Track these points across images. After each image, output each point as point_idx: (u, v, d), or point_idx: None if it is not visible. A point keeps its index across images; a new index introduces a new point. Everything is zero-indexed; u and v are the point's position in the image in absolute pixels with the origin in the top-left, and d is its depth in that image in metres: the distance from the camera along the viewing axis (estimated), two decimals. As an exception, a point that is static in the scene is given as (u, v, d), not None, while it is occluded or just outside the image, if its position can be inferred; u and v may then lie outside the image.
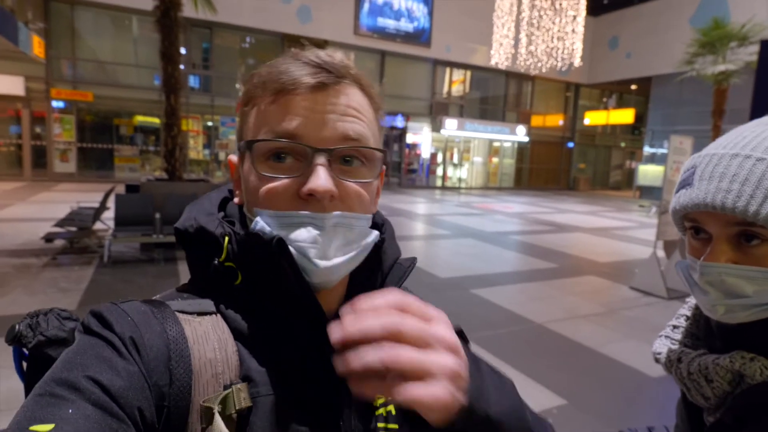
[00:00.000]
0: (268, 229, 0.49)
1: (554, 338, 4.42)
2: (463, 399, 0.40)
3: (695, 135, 6.89)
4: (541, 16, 15.32)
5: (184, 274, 5.77)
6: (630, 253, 8.80)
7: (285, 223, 0.49)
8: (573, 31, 15.16)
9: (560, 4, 14.78)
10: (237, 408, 0.45)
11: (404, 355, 0.36)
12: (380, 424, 0.53)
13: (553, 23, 15.23)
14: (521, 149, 24.77)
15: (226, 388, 0.45)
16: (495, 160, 24.40)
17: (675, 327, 0.75)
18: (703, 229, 0.61)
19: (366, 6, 19.44)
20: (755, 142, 0.58)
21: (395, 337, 0.37)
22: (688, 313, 0.75)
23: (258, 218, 0.50)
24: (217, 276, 0.52)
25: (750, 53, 12.82)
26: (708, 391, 0.63)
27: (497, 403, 0.46)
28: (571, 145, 26.30)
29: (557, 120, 25.91)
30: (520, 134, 23.45)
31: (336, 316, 0.49)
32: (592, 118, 26.21)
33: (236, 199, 0.57)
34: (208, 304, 0.51)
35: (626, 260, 8.14)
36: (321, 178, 0.48)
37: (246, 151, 0.52)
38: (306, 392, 0.50)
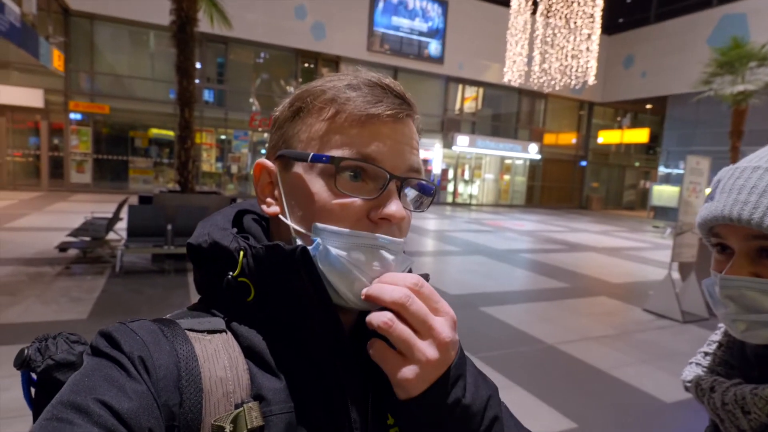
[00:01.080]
0: (333, 250, 0.48)
1: (565, 360, 4.32)
2: (429, 387, 0.47)
3: (712, 156, 6.78)
4: (555, 34, 15.35)
5: (194, 285, 5.78)
6: (643, 275, 8.63)
7: (356, 243, 0.49)
8: (587, 49, 15.14)
9: (575, 23, 14.80)
10: (249, 427, 0.44)
11: (397, 329, 0.46)
12: None
13: (567, 41, 15.24)
14: (533, 167, 24.64)
15: (237, 407, 0.45)
16: (506, 177, 24.29)
17: (706, 354, 0.73)
18: (727, 244, 0.61)
19: (381, 22, 19.71)
20: None
21: (399, 311, 0.46)
22: (722, 339, 0.72)
23: (320, 233, 0.49)
24: (229, 292, 0.51)
25: (768, 74, 12.69)
26: (744, 423, 0.60)
27: (471, 397, 0.50)
28: (584, 163, 26.09)
29: (570, 138, 25.77)
30: (532, 152, 23.35)
31: (354, 330, 0.54)
32: (606, 137, 26.03)
33: (270, 209, 0.54)
34: (218, 322, 0.50)
35: (639, 281, 7.98)
36: (398, 205, 0.50)
37: (314, 162, 0.50)
38: (320, 410, 0.49)
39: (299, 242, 0.50)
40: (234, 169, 18.47)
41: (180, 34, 7.58)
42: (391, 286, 0.47)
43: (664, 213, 19.39)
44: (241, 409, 0.44)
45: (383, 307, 0.47)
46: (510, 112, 23.92)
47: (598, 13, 14.68)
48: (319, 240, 0.49)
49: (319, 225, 0.49)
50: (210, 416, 0.43)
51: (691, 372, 0.71)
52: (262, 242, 0.52)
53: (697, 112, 19.11)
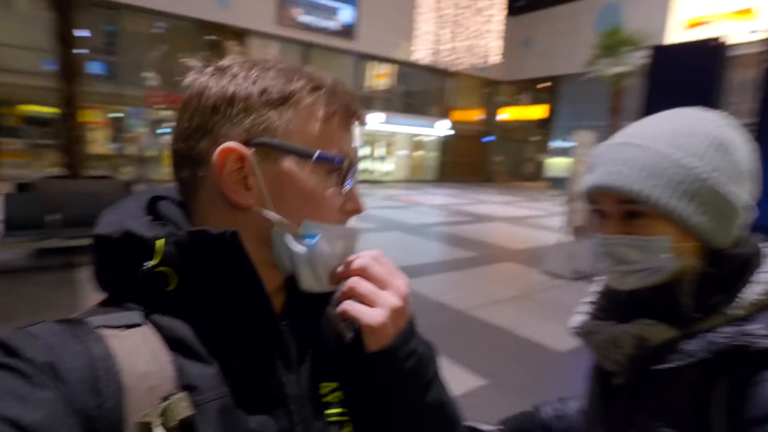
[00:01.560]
0: (323, 243, 0.52)
1: (476, 323, 4.65)
2: (396, 335, 0.54)
3: (598, 130, 7.53)
4: (462, 15, 15.85)
5: (85, 281, 5.29)
6: (542, 240, 9.44)
7: (341, 235, 0.55)
8: (492, 29, 15.86)
9: (480, 4, 15.39)
10: (179, 418, 0.42)
11: (363, 285, 0.54)
12: (328, 411, 0.56)
13: (473, 22, 15.84)
14: (444, 143, 25.57)
15: (164, 399, 0.43)
16: (419, 153, 24.98)
17: (588, 303, 0.85)
18: (603, 209, 0.72)
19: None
20: (640, 132, 0.69)
21: (363, 274, 0.54)
22: (599, 290, 0.84)
23: (311, 229, 0.52)
24: (145, 283, 0.48)
25: (641, 57, 14.23)
26: (618, 356, 0.72)
27: (423, 349, 0.57)
28: (489, 138, 27.60)
29: (477, 115, 27.05)
30: (443, 128, 24.20)
31: (282, 311, 0.56)
32: (509, 113, 27.68)
33: (243, 200, 0.50)
34: (134, 316, 0.47)
35: (538, 246, 8.73)
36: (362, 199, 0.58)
37: (320, 161, 0.52)
38: (254, 389, 0.49)
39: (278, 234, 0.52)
40: (130, 150, 16.92)
41: (57, -4, 6.70)
42: (356, 260, 0.55)
43: (558, 183, 21.25)
44: (169, 400, 0.43)
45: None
46: (421, 89, 24.44)
47: (500, -5, 15.37)
48: (319, 236, 0.52)
49: (310, 223, 0.52)
50: (135, 413, 0.41)
51: (577, 319, 0.83)
52: (185, 229, 0.49)
53: (586, 90, 20.94)
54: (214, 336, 0.48)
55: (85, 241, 6.08)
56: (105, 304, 0.51)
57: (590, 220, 0.76)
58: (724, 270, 0.65)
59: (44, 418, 0.36)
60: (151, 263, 0.47)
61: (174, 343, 0.47)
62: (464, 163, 26.76)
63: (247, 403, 0.48)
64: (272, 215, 0.50)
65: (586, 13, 21.58)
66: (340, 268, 0.55)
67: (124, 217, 0.50)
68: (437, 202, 15.51)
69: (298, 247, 0.51)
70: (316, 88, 0.52)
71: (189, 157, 0.51)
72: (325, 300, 0.59)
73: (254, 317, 0.50)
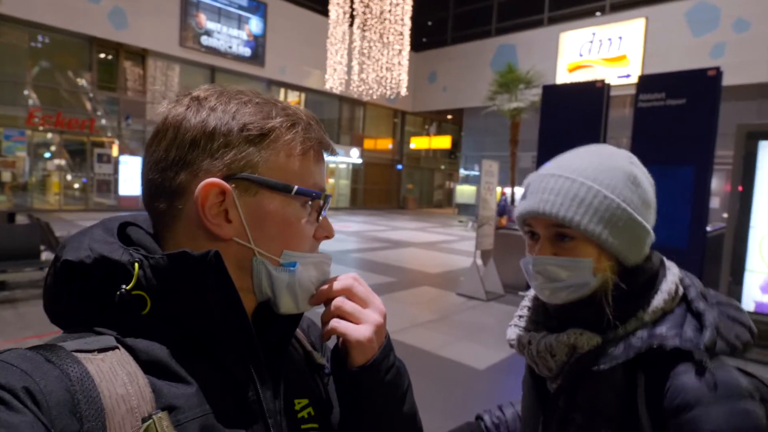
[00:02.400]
0: (301, 269, 0.56)
1: (398, 347, 4.65)
2: (379, 349, 0.58)
3: (499, 160, 8.15)
4: (371, 47, 16.46)
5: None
6: (455, 264, 9.89)
7: (315, 262, 0.58)
8: (399, 63, 16.64)
9: (388, 38, 16.11)
10: None
11: (348, 304, 0.58)
12: (303, 426, 0.59)
13: (382, 54, 16.52)
14: (356, 171, 25.98)
15: (144, 420, 0.43)
16: (331, 181, 25.10)
17: (520, 317, 0.92)
18: (535, 231, 0.81)
19: (194, 18, 18.33)
20: (565, 165, 0.80)
21: (347, 294, 0.58)
22: (529, 304, 0.93)
23: (290, 258, 0.55)
24: (120, 307, 0.48)
25: (534, 94, 15.80)
26: (552, 363, 0.79)
27: (399, 362, 0.62)
28: (400, 167, 28.59)
29: (387, 144, 27.96)
30: (354, 156, 24.61)
31: (257, 327, 0.56)
32: (417, 143, 28.99)
33: (224, 232, 0.52)
34: (108, 340, 0.47)
35: (453, 270, 9.13)
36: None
37: (297, 196, 0.55)
38: (233, 406, 0.51)
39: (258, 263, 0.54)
40: (6, 176, 14.96)
41: None
42: (338, 281, 0.59)
43: (465, 209, 22.52)
44: (150, 421, 0.43)
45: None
46: (332, 117, 24.76)
47: (407, 32, 16.26)
48: (299, 264, 0.55)
49: (290, 252, 0.55)
50: None
51: (512, 332, 0.89)
52: (159, 253, 0.49)
53: (487, 123, 22.65)
54: (191, 356, 0.49)
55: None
56: (73, 331, 0.50)
57: (526, 243, 0.85)
58: (636, 282, 0.77)
59: None
60: (128, 287, 0.47)
61: (150, 366, 0.47)
62: (376, 190, 27.36)
63: (228, 420, 0.49)
64: (251, 246, 0.53)
65: (485, 52, 23.56)
66: (324, 287, 0.59)
67: (95, 243, 0.50)
68: (352, 229, 15.59)
69: (280, 275, 0.54)
70: (293, 125, 0.54)
71: (165, 188, 0.52)
72: (292, 320, 0.60)
73: (233, 337, 0.51)
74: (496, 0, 24.00)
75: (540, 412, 0.86)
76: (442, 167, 32.39)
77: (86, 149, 16.44)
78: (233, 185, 0.51)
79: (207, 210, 0.51)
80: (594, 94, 5.36)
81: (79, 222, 12.73)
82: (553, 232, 0.78)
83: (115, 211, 16.96)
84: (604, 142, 5.52)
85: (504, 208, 13.38)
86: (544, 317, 0.88)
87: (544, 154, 6.01)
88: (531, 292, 0.94)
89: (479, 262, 7.09)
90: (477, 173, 24.26)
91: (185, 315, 0.50)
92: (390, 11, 15.78)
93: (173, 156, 0.51)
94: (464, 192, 23.01)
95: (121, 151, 17.12)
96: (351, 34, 16.37)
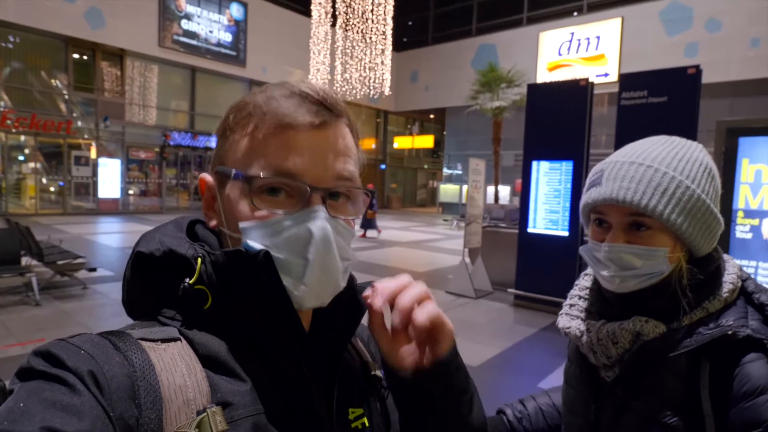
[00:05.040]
0: (257, 246, 0.50)
1: (390, 346, 4.70)
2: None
3: (483, 158, 8.23)
4: (353, 47, 16.44)
5: None
6: (441, 262, 9.95)
7: (278, 221, 0.54)
8: (382, 62, 16.66)
9: (370, 38, 16.12)
10: None
11: (430, 304, 0.55)
12: None
13: (365, 54, 16.51)
14: (340, 170, 25.92)
15: (199, 413, 0.44)
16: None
17: (571, 305, 0.93)
18: (605, 219, 0.81)
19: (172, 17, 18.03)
20: (645, 154, 0.79)
21: (422, 298, 0.55)
22: (581, 293, 0.93)
23: (250, 230, 0.51)
24: (184, 300, 0.50)
25: (515, 93, 16.00)
26: (613, 351, 0.80)
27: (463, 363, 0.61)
28: (383, 167, 28.62)
29: (371, 143, 27.96)
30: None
31: (312, 330, 0.57)
32: (400, 143, 29.05)
33: (211, 222, 0.57)
34: (171, 331, 0.49)
35: (440, 268, 9.18)
36: (322, 220, 0.51)
37: (235, 180, 0.52)
38: (284, 407, 0.50)
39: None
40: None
41: None
42: (399, 282, 0.56)
43: (449, 208, 22.66)
44: (205, 414, 0.43)
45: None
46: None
47: (389, 32, 16.29)
48: (246, 241, 0.51)
49: (242, 224, 0.51)
50: (171, 425, 0.42)
51: (565, 321, 0.90)
52: (219, 250, 0.52)
53: (469, 122, 22.83)
54: (247, 354, 0.50)
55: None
56: (141, 320, 0.53)
57: (591, 229, 0.85)
58: (705, 272, 0.78)
59: (88, 428, 0.37)
60: (190, 281, 0.49)
61: (208, 360, 0.48)
62: (361, 190, 27.35)
63: (279, 421, 0.49)
64: (227, 231, 0.54)
65: (466, 52, 23.74)
66: (391, 286, 0.55)
67: (166, 238, 0.53)
68: (337, 229, 15.52)
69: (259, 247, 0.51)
70: (241, 109, 0.53)
71: None
72: (350, 326, 0.59)
73: (284, 334, 0.50)
74: (476, 0, 24.22)
75: (592, 401, 0.86)
76: (426, 166, 32.53)
77: (63, 151, 16.03)
78: (215, 179, 0.56)
79: (204, 203, 0.57)
80: (578, 92, 5.46)
81: (56, 226, 12.42)
82: (630, 221, 0.78)
83: (95, 215, 16.59)
84: (588, 138, 5.64)
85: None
86: (599, 306, 0.88)
87: (530, 151, 6.10)
88: (582, 281, 0.95)
89: (467, 260, 7.15)
90: (460, 172, 24.50)
91: (241, 311, 0.50)
92: (372, 11, 15.79)
93: None
94: (448, 191, 23.15)
95: (99, 154, 16.74)
96: (333, 34, 16.32)
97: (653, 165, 0.77)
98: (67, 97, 16.33)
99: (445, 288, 7.19)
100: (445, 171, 26.22)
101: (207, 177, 0.57)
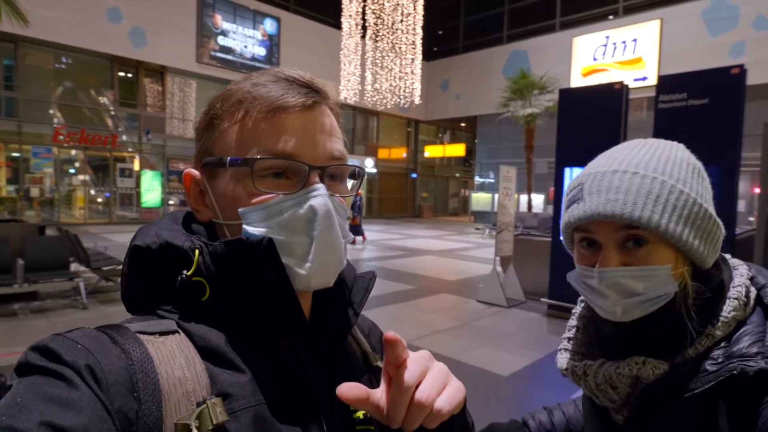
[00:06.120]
0: (258, 231, 0.51)
1: (420, 354, 4.67)
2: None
3: (516, 166, 8.12)
4: (383, 57, 16.62)
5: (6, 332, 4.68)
6: (473, 271, 9.83)
7: (281, 201, 0.53)
8: (412, 72, 16.76)
9: (400, 48, 16.26)
10: (214, 423, 0.43)
11: (436, 380, 0.51)
12: (359, 427, 0.56)
13: (395, 64, 16.66)
14: (370, 180, 26.08)
15: (199, 405, 0.44)
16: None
17: (569, 339, 0.82)
18: (594, 239, 0.68)
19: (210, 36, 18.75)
20: (627, 161, 0.68)
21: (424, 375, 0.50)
22: (579, 324, 0.82)
23: (251, 213, 0.51)
24: (181, 292, 0.50)
25: (548, 100, 15.74)
26: (614, 395, 0.70)
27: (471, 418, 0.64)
28: (414, 175, 28.63)
29: (401, 153, 28.05)
30: (369, 166, 24.74)
31: (311, 319, 0.57)
32: (431, 151, 29.01)
33: (203, 216, 0.56)
34: (169, 324, 0.49)
35: (471, 277, 9.07)
36: (323, 196, 0.52)
37: (231, 167, 0.52)
38: (286, 398, 0.50)
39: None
40: (34, 192, 15.40)
41: (-48, 26, 6.13)
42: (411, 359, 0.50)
43: (481, 216, 22.39)
44: (205, 405, 0.43)
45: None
46: (347, 128, 24.86)
47: (419, 41, 16.39)
48: (245, 227, 0.51)
49: (243, 210, 0.51)
50: (171, 417, 0.42)
51: (563, 359, 0.79)
52: (217, 241, 0.51)
53: (500, 129, 22.59)
54: (246, 344, 0.50)
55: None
56: (139, 314, 0.52)
57: (577, 252, 0.73)
58: (710, 289, 0.66)
59: (85, 423, 0.37)
60: (188, 273, 0.49)
61: (207, 351, 0.48)
62: (391, 199, 27.41)
63: (280, 412, 0.49)
64: (221, 221, 0.53)
65: (497, 59, 23.57)
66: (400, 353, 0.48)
67: (161, 231, 0.52)
68: (368, 238, 15.62)
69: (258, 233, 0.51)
70: (228, 98, 0.54)
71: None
72: (348, 318, 0.59)
73: (285, 324, 0.50)
74: (507, 7, 24.06)
75: None
76: (457, 175, 32.32)
77: (109, 164, 16.87)
78: (202, 173, 0.55)
79: (191, 199, 0.56)
80: (612, 96, 5.32)
81: (104, 235, 13.02)
82: (623, 237, 0.66)
83: (138, 224, 17.18)
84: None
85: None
86: (596, 338, 0.76)
87: (563, 158, 5.99)
88: (577, 309, 0.83)
89: (499, 268, 7.05)
90: (492, 180, 24.21)
91: (241, 302, 0.50)
92: (402, 21, 15.94)
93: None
94: (480, 200, 22.89)
95: (142, 166, 17.50)
96: (363, 45, 16.55)
97: (639, 171, 0.66)
98: (113, 112, 17.21)
99: (476, 297, 7.10)
100: (477, 179, 25.96)
101: (193, 171, 0.56)
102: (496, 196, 7.31)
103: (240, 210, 0.51)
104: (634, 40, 18.38)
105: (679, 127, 4.64)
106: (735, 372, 0.59)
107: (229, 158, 0.51)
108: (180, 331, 0.48)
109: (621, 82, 5.42)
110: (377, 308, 6.44)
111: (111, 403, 0.39)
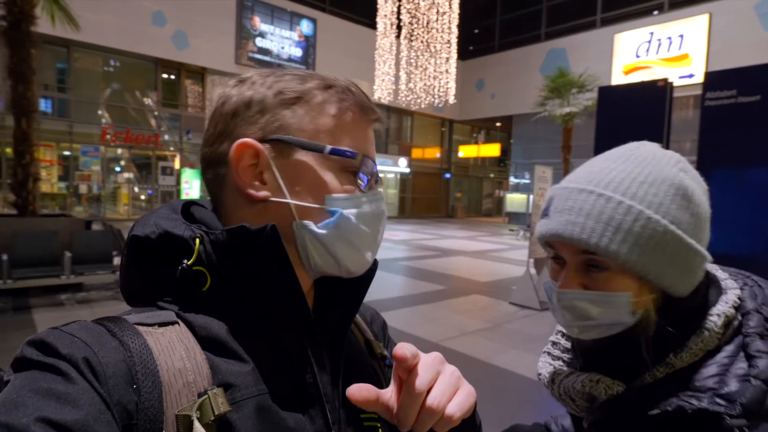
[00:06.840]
0: (351, 212, 0.53)
1: (450, 355, 4.63)
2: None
3: (552, 167, 7.93)
4: (418, 57, 16.57)
5: (41, 324, 4.95)
6: (506, 273, 9.66)
7: (368, 199, 0.57)
8: (447, 71, 16.63)
9: (434, 47, 16.17)
10: (216, 413, 0.42)
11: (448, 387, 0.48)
12: (363, 416, 0.55)
13: (429, 63, 16.58)
14: (404, 180, 26.06)
15: (200, 395, 0.43)
16: (380, 190, 25.34)
17: (554, 343, 0.81)
18: (560, 256, 0.68)
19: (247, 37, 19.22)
20: (598, 178, 0.64)
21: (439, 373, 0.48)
22: (564, 330, 0.80)
23: (338, 205, 0.53)
24: (182, 282, 0.49)
25: (587, 98, 15.29)
26: (574, 407, 0.71)
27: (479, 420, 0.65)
28: (448, 176, 28.41)
29: (435, 153, 27.90)
30: (402, 166, 24.72)
31: (314, 307, 0.58)
32: (465, 151, 28.72)
33: (260, 193, 0.51)
34: (168, 315, 0.48)
35: (504, 278, 8.92)
36: (384, 201, 0.60)
37: (328, 154, 0.53)
38: (289, 388, 0.50)
39: (297, 223, 0.52)
40: (83, 189, 16.22)
41: (12, 31, 6.52)
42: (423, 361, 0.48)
43: (516, 218, 21.99)
44: (206, 396, 0.43)
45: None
46: (380, 128, 25.04)
47: (454, 40, 16.24)
48: (340, 210, 0.53)
49: (332, 196, 0.53)
50: (172, 409, 0.41)
51: (542, 364, 0.78)
52: (219, 229, 0.50)
53: (537, 129, 22.11)
54: (249, 334, 0.49)
55: (38, 282, 5.74)
56: (138, 306, 0.52)
57: (549, 265, 0.72)
58: (674, 319, 0.63)
59: (84, 417, 0.36)
60: (189, 262, 0.48)
61: (207, 342, 0.47)
62: (425, 199, 27.30)
63: (283, 402, 0.48)
64: (291, 201, 0.51)
65: (534, 57, 23.09)
66: (408, 355, 0.46)
67: (160, 220, 0.51)
68: (401, 238, 15.62)
69: (328, 232, 0.52)
70: (328, 87, 0.54)
71: (212, 159, 0.54)
72: (351, 303, 0.59)
73: (288, 314, 0.50)
74: (545, 4, 23.53)
75: None
76: (492, 175, 31.86)
77: (152, 163, 17.58)
78: (267, 147, 0.51)
79: (241, 171, 0.51)
80: (655, 94, 5.11)
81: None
82: (582, 260, 0.64)
83: (177, 221, 17.82)
84: (667, 145, 5.27)
85: None
86: (575, 349, 0.76)
87: (601, 158, 5.78)
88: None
89: (533, 270, 6.90)
90: (527, 181, 23.72)
91: (243, 291, 0.50)
92: (437, 20, 15.85)
93: (219, 129, 0.53)
94: (515, 200, 22.48)
95: (183, 164, 18.13)
96: (398, 44, 16.56)
97: (605, 192, 0.62)
98: (156, 113, 17.92)
99: (508, 299, 6.98)
100: (512, 180, 25.50)
101: (256, 144, 0.51)
102: (531, 197, 7.17)
103: (332, 196, 0.53)
104: (681, 36, 17.61)
105: (727, 126, 4.41)
106: (669, 409, 0.58)
107: (331, 147, 0.52)
108: (180, 321, 0.48)
109: (665, 79, 5.19)
110: (408, 308, 6.43)
111: (110, 396, 0.38)
